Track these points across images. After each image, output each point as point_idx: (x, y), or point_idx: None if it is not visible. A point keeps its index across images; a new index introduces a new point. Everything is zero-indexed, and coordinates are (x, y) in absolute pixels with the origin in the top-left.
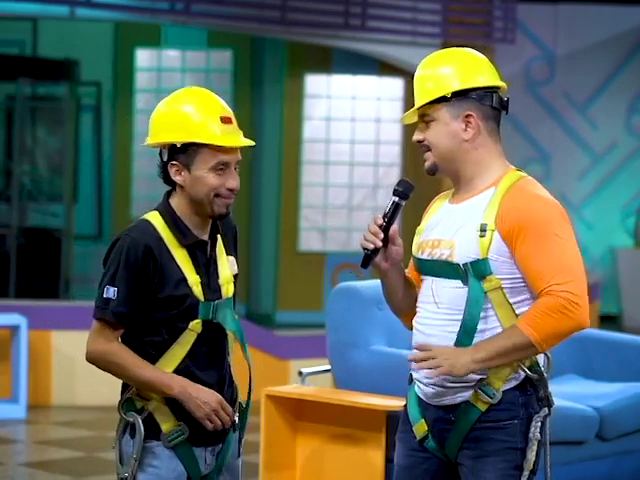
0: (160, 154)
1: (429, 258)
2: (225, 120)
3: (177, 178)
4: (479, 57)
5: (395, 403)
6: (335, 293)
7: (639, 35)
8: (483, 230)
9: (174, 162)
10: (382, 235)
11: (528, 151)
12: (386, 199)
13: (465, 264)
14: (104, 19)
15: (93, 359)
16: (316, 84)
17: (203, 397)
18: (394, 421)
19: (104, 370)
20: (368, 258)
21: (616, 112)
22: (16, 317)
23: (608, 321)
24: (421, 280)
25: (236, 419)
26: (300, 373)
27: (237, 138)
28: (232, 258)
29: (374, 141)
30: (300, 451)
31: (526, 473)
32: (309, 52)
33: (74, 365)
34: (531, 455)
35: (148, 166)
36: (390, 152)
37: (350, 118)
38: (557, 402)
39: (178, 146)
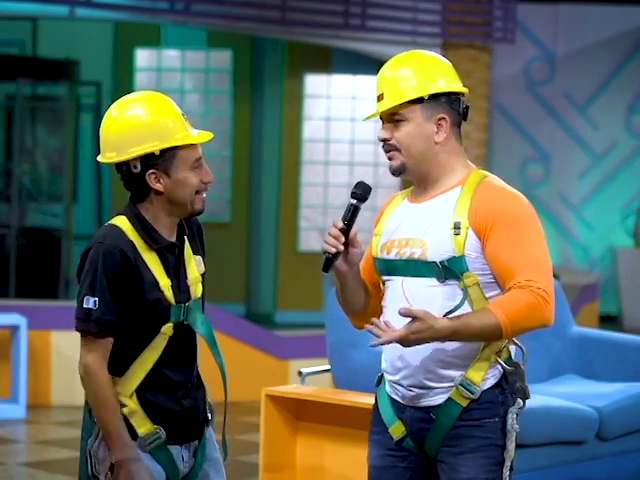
0: (122, 167)
1: (398, 258)
2: (185, 118)
3: (157, 186)
4: (446, 61)
5: None
6: (335, 293)
7: (639, 35)
8: (457, 228)
9: (152, 171)
10: (343, 239)
11: (528, 151)
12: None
13: (442, 262)
14: (104, 19)
15: (84, 374)
16: (316, 84)
17: (131, 473)
18: None
19: (84, 387)
20: (330, 262)
21: (616, 112)
22: (16, 317)
23: (608, 321)
24: (383, 281)
25: (209, 416)
26: (300, 373)
27: (202, 132)
28: (199, 257)
29: (374, 141)
30: (300, 451)
31: (508, 463)
32: (309, 52)
33: (74, 365)
34: (511, 446)
35: None
36: None
37: (350, 118)
38: (557, 402)
39: (157, 154)
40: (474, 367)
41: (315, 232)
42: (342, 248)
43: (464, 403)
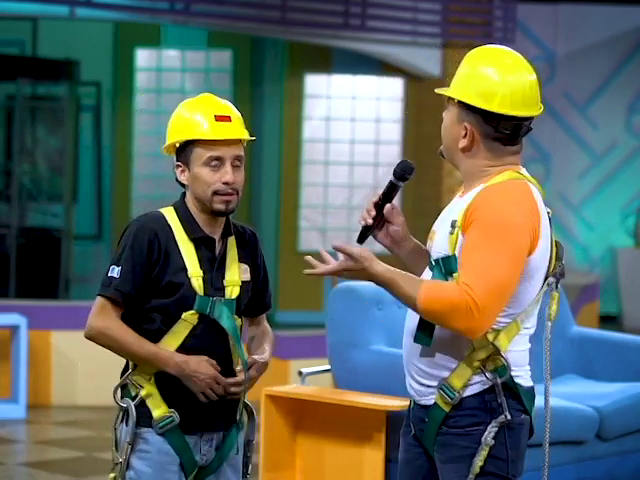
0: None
1: (427, 248)
2: (220, 118)
3: (182, 178)
4: (519, 78)
5: (395, 403)
6: (335, 293)
7: (639, 35)
8: (453, 227)
9: (178, 163)
10: (374, 212)
11: (528, 151)
12: None
13: (437, 259)
14: (104, 19)
15: (92, 336)
16: (316, 84)
17: (199, 375)
18: (394, 421)
19: (103, 346)
20: (362, 234)
21: (616, 112)
22: (16, 317)
23: (608, 321)
24: None
25: (239, 417)
26: (300, 373)
27: (228, 132)
28: (245, 266)
29: (374, 141)
30: (300, 451)
31: (471, 476)
32: (309, 52)
33: (74, 365)
34: (478, 459)
35: (148, 166)
36: (390, 152)
37: (350, 118)
38: (557, 402)
39: (177, 146)
40: (457, 371)
41: (315, 232)
42: (370, 221)
43: (446, 408)
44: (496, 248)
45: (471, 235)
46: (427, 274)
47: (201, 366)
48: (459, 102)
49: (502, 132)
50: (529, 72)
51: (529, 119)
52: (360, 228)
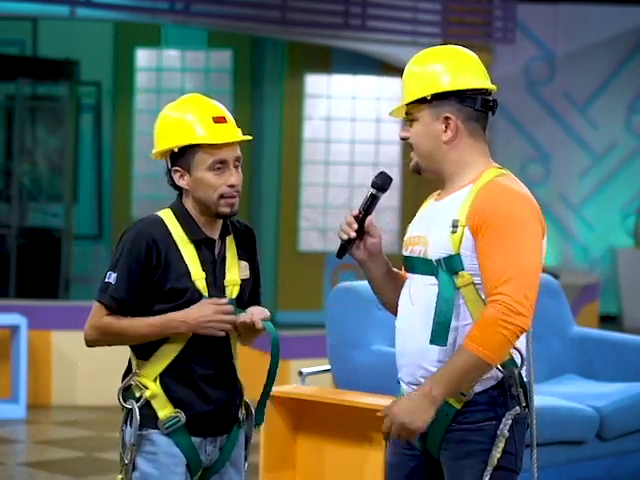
0: (166, 162)
1: (410, 255)
2: (218, 120)
3: (181, 182)
4: (467, 57)
5: None
6: (335, 293)
7: (639, 35)
8: (455, 226)
9: (176, 168)
10: (356, 226)
11: (528, 151)
12: (385, 200)
13: (438, 260)
14: (104, 19)
15: (92, 340)
16: (316, 84)
17: (203, 317)
18: None
19: (109, 345)
20: (343, 248)
21: (616, 112)
22: (16, 317)
23: (608, 321)
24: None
25: (241, 416)
26: (300, 373)
27: (229, 134)
28: (244, 263)
29: (374, 141)
30: (300, 451)
31: (489, 469)
32: (309, 52)
33: (74, 365)
34: (495, 451)
35: (148, 166)
36: (390, 152)
37: (350, 118)
38: (557, 402)
39: (175, 151)
40: None
41: (315, 232)
42: (354, 235)
43: (458, 405)
44: (518, 242)
45: (489, 237)
46: (413, 282)
47: (202, 310)
48: (430, 100)
49: (480, 110)
50: (470, 54)
51: (490, 93)
52: (340, 243)
